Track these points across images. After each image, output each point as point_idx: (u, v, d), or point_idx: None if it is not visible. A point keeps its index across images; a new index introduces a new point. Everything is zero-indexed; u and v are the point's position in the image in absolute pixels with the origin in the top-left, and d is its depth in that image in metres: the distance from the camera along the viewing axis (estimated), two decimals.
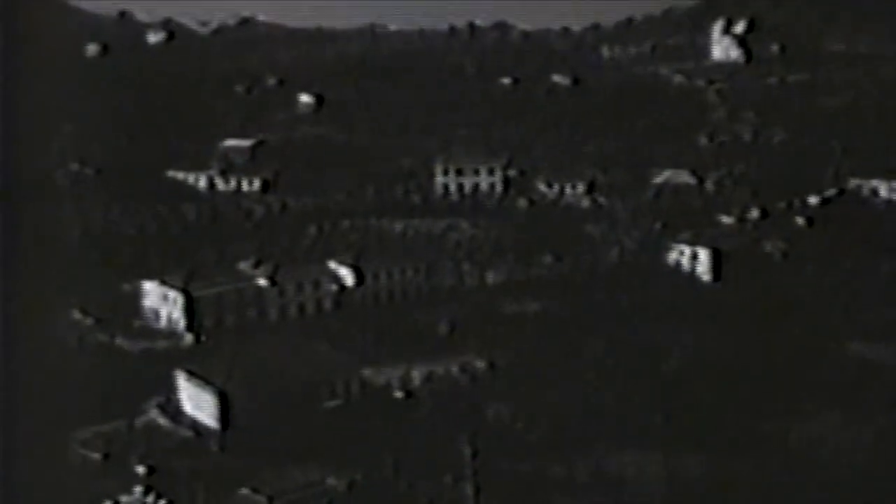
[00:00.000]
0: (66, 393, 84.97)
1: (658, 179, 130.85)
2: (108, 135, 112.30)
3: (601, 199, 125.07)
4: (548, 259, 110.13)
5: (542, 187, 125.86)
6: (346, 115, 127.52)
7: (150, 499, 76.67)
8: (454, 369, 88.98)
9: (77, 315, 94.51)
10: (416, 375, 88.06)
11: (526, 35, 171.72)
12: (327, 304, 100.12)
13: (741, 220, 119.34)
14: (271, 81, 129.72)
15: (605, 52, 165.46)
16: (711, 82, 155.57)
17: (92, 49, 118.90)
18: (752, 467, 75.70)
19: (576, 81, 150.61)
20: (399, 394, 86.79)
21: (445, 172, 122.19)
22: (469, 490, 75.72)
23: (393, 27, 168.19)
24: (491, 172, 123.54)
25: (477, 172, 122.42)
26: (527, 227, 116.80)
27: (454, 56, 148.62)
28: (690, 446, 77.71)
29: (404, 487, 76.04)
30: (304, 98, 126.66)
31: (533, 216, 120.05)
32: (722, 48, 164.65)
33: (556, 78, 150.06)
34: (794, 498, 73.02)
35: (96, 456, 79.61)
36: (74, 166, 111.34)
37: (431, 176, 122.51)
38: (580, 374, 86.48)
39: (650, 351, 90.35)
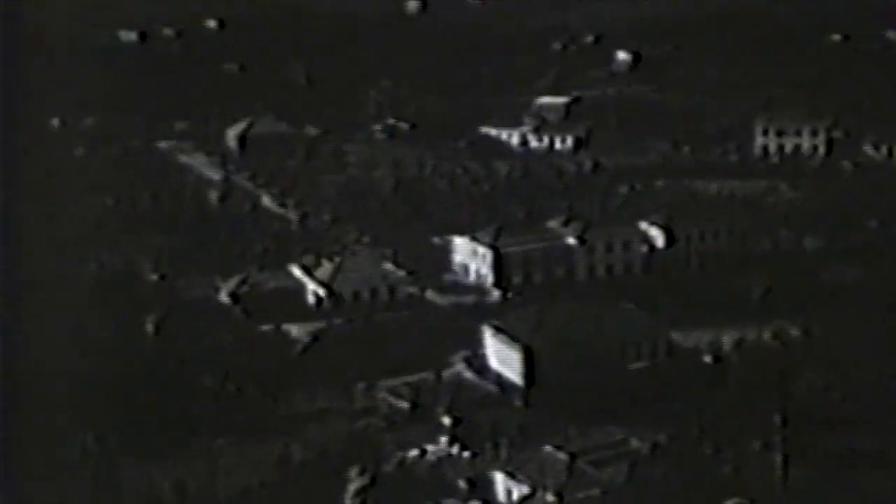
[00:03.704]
0: (376, 342, 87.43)
1: None
2: (425, 90, 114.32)
3: None
4: (872, 225, 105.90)
5: (869, 150, 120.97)
6: (664, 73, 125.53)
7: (455, 450, 77.90)
8: (766, 336, 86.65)
9: (390, 267, 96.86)
10: (727, 341, 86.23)
11: None
12: (636, 265, 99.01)
13: None
14: (588, 38, 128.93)
15: None
16: None
17: (412, 6, 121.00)
18: None
19: None
20: (708, 358, 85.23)
21: (766, 133, 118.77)
22: (777, 459, 73.79)
23: None
24: (814, 133, 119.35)
25: (799, 133, 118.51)
26: (850, 190, 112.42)
27: (780, 11, 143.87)
28: None
29: (710, 452, 74.70)
30: (621, 55, 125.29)
31: (857, 179, 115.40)
32: None
33: (891, 35, 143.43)
34: None
35: (404, 405, 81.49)
36: (391, 120, 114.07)
37: (751, 136, 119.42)
38: None
39: None
